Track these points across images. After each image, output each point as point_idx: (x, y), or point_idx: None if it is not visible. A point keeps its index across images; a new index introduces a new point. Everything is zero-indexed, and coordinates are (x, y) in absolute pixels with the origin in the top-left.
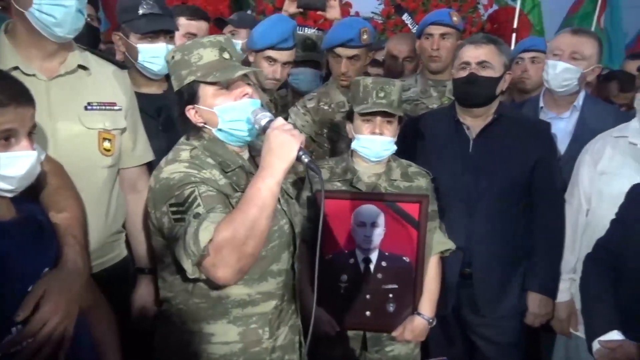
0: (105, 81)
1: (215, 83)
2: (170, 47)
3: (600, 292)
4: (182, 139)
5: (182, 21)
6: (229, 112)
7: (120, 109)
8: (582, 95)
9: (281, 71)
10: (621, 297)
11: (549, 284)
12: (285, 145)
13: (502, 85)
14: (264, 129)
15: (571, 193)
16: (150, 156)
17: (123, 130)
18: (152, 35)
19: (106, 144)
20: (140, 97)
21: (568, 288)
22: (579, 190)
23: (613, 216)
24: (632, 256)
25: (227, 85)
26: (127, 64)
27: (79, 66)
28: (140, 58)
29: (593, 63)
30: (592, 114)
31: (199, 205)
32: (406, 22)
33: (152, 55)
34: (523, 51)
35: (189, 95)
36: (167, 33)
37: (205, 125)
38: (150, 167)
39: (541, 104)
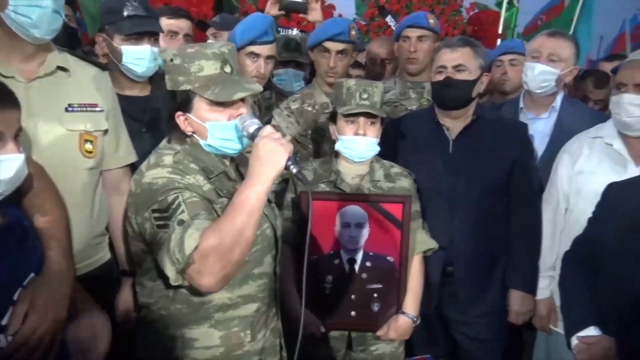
0: (85, 82)
1: None
2: (155, 49)
3: (577, 288)
4: (164, 143)
5: (163, 21)
6: (221, 131)
7: (101, 111)
8: (560, 96)
9: (264, 66)
10: (598, 293)
11: (530, 282)
12: (274, 154)
13: (479, 87)
14: (252, 137)
15: (550, 192)
16: (133, 157)
17: (105, 131)
18: (137, 37)
19: (88, 146)
20: (123, 99)
21: (548, 285)
22: (557, 189)
23: (590, 215)
24: (608, 253)
25: (223, 101)
26: (111, 65)
27: (58, 67)
28: (124, 60)
29: (570, 65)
30: (570, 114)
31: (183, 211)
32: (389, 23)
33: (136, 57)
34: (502, 54)
35: (182, 101)
36: (152, 35)
37: (194, 135)
38: (134, 168)
39: (521, 104)
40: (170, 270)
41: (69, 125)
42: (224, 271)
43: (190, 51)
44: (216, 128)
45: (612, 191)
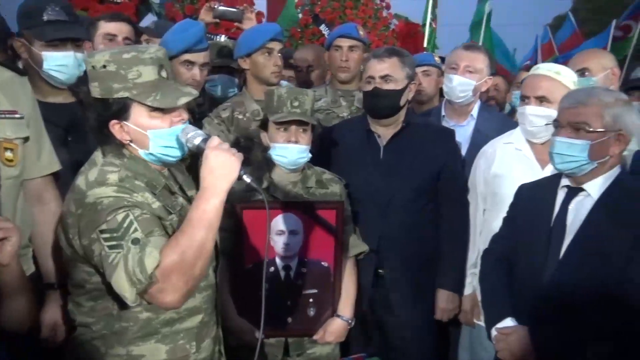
0: (3, 88)
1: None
2: (79, 55)
3: (495, 283)
4: (99, 157)
5: (101, 24)
6: (164, 138)
7: (21, 117)
8: (477, 105)
9: (200, 74)
10: (513, 286)
11: (456, 282)
12: (226, 165)
13: (408, 95)
14: (198, 148)
15: (469, 194)
16: (56, 166)
17: (26, 139)
18: (59, 43)
19: (8, 154)
20: (46, 106)
21: (470, 282)
22: (475, 191)
23: (505, 214)
24: (520, 249)
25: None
26: (30, 71)
27: None
28: (46, 66)
29: (485, 75)
30: (486, 121)
31: (136, 229)
32: (323, 32)
33: (59, 63)
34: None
35: (119, 109)
36: (75, 41)
37: (131, 144)
38: (57, 177)
39: (443, 113)
40: (129, 292)
41: None
42: (187, 286)
43: (126, 57)
44: (159, 136)
45: (523, 192)
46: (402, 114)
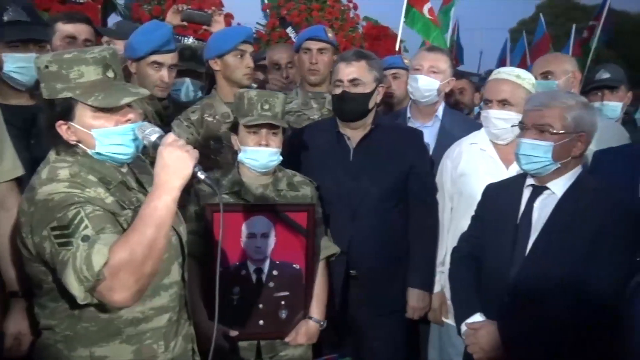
0: None
1: None
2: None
3: (464, 280)
4: (52, 155)
5: (59, 26)
6: (109, 137)
7: None
8: (442, 106)
9: (168, 75)
10: (481, 282)
11: (426, 280)
12: (180, 161)
13: (376, 98)
14: (154, 145)
15: (437, 194)
16: (19, 171)
17: None
18: (21, 44)
19: None
20: (7, 109)
21: (438, 280)
22: (442, 191)
23: (472, 212)
24: (488, 246)
25: (108, 107)
26: None
27: None
28: (6, 68)
29: (448, 76)
30: (451, 122)
31: (86, 226)
32: (290, 35)
33: (21, 65)
34: (384, 69)
35: (63, 110)
36: (37, 42)
37: (79, 144)
38: (20, 182)
39: (408, 114)
40: (77, 290)
41: None
42: (138, 285)
43: (67, 57)
44: (104, 135)
45: (490, 191)
46: (371, 116)
